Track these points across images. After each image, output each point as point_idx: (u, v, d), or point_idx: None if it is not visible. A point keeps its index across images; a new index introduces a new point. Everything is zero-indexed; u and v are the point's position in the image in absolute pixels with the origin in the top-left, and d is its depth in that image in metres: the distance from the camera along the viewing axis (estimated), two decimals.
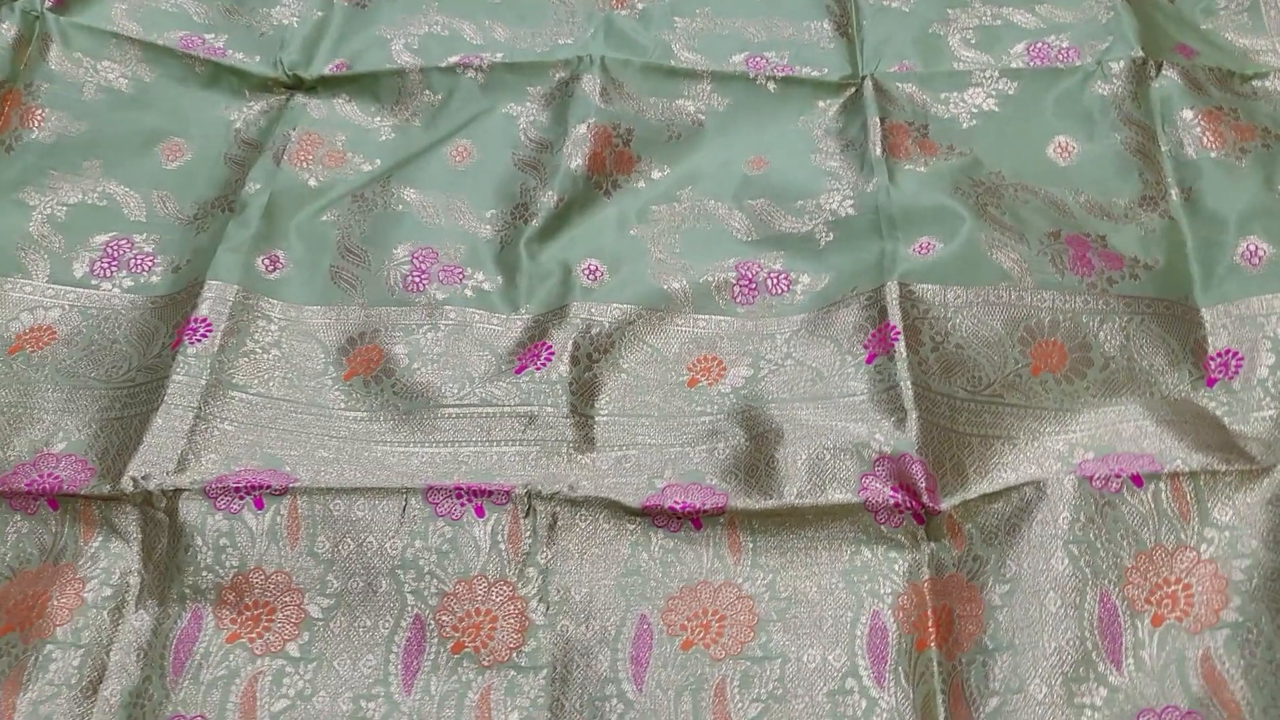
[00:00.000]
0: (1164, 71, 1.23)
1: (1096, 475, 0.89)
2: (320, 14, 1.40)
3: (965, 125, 1.24)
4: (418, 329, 1.10)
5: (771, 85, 1.30)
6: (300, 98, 1.31)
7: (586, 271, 1.13)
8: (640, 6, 1.39)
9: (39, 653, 0.88)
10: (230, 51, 1.34)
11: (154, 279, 1.13)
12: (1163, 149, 1.18)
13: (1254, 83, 1.23)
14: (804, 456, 0.95)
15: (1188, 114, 1.18)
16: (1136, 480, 0.88)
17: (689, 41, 1.35)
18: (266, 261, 1.14)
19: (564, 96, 1.29)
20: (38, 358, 1.05)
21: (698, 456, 0.98)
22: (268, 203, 1.18)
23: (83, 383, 1.04)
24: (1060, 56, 1.28)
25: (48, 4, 1.29)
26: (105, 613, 0.91)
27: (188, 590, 0.92)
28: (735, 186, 1.21)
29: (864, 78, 1.29)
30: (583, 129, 1.24)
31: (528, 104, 1.30)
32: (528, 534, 0.93)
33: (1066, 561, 0.86)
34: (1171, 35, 1.31)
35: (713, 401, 1.03)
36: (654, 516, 0.93)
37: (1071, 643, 0.84)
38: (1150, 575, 0.86)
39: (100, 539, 0.94)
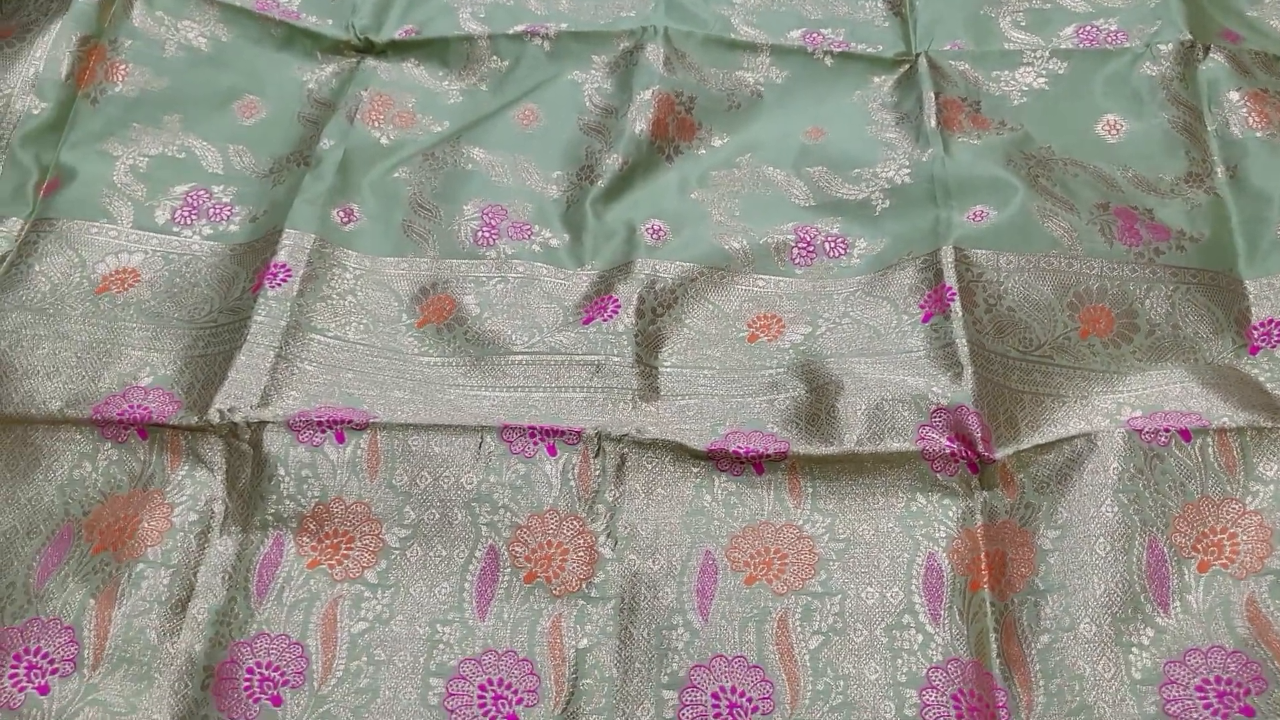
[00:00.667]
0: (1211, 54, 1.26)
1: (1146, 429, 0.93)
2: None
3: (1016, 102, 1.27)
4: (488, 280, 1.14)
5: (829, 60, 1.33)
6: (371, 61, 1.35)
7: (650, 231, 1.17)
8: None
9: (131, 570, 0.92)
10: (304, 14, 1.38)
11: (233, 228, 1.18)
12: (1209, 128, 1.21)
13: None
14: (863, 406, 0.99)
15: (1234, 95, 1.22)
16: (1185, 435, 0.92)
17: (747, 17, 1.39)
18: (341, 214, 1.18)
19: (628, 65, 1.33)
20: (123, 299, 1.10)
21: (759, 406, 1.02)
22: (342, 159, 1.22)
23: (167, 322, 1.09)
24: (1109, 39, 1.32)
25: None
26: (192, 536, 0.95)
27: (270, 518, 0.96)
28: (794, 155, 1.25)
29: (918, 55, 1.33)
30: (647, 95, 1.28)
31: (592, 71, 1.34)
32: (597, 473, 0.97)
33: (1116, 509, 0.90)
34: (1218, 21, 1.34)
35: (773, 356, 1.07)
36: (717, 460, 0.97)
37: (1120, 585, 0.88)
38: (1197, 524, 0.89)
39: (186, 468, 0.98)
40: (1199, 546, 0.89)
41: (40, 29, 1.24)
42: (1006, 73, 1.30)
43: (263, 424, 0.98)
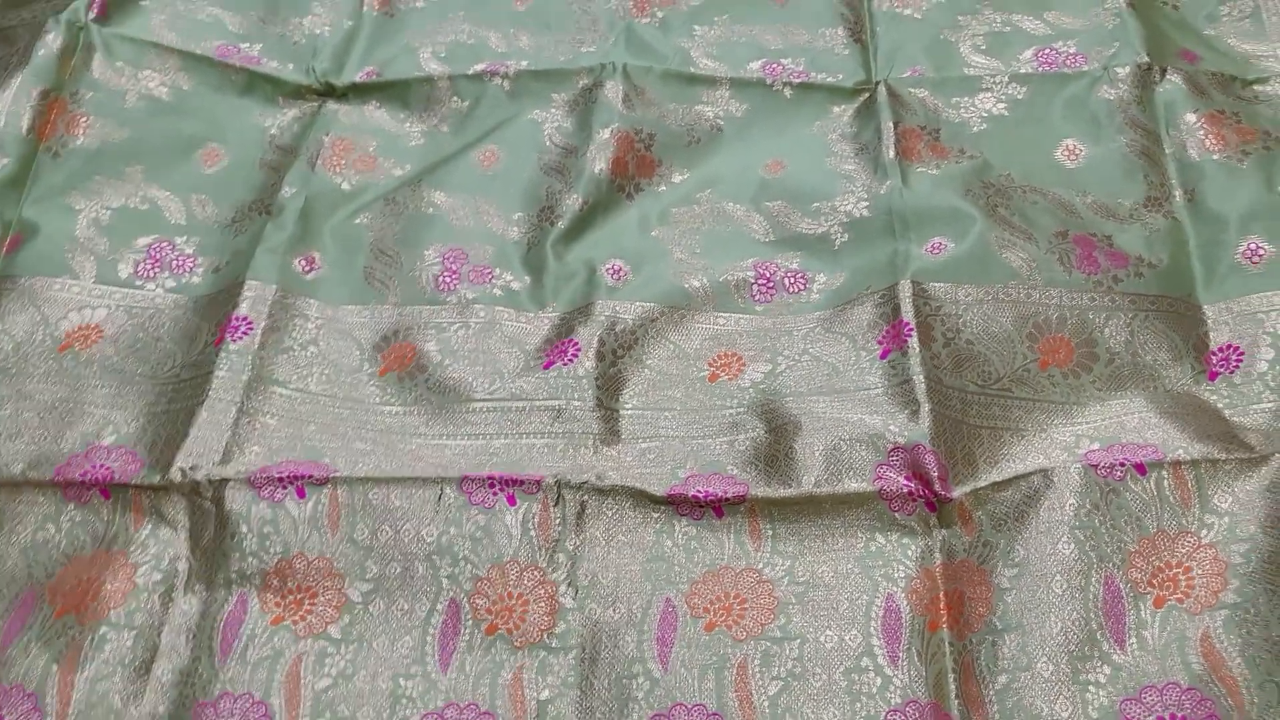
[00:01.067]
0: (1168, 76, 1.26)
1: (1102, 464, 0.93)
2: (350, 23, 1.45)
3: (976, 129, 1.28)
4: (449, 327, 1.14)
5: (788, 91, 1.34)
6: (332, 104, 1.36)
7: (610, 271, 1.18)
8: (660, 15, 1.44)
9: (94, 634, 0.93)
10: (264, 60, 1.39)
11: (195, 279, 1.18)
12: (1166, 151, 1.22)
13: (1255, 87, 1.27)
14: (821, 447, 1.00)
15: (1191, 117, 1.22)
16: (1140, 468, 0.93)
17: (707, 49, 1.40)
18: (303, 263, 1.18)
19: (588, 103, 1.33)
20: (86, 355, 1.10)
21: (719, 448, 1.02)
22: (303, 206, 1.23)
23: (129, 379, 1.09)
24: (1068, 62, 1.32)
25: (92, 15, 1.34)
26: (156, 596, 0.95)
27: (234, 575, 0.96)
28: (753, 189, 1.25)
29: (877, 83, 1.33)
30: (606, 134, 1.28)
31: (552, 110, 1.34)
32: (557, 521, 0.97)
33: (1072, 546, 0.91)
34: (1175, 41, 1.34)
35: (733, 395, 1.07)
36: (677, 505, 0.97)
37: (1077, 623, 0.88)
38: (1153, 559, 0.90)
39: (150, 526, 0.98)
40: (1154, 581, 0.89)
41: None
42: (966, 99, 1.31)
43: (224, 481, 0.99)
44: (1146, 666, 0.86)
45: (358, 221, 1.24)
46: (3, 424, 1.04)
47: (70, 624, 0.93)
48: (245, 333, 1.10)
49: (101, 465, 1.00)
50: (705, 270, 1.18)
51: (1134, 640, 0.87)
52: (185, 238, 1.22)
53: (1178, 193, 1.18)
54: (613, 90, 1.33)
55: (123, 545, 0.98)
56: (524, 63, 1.38)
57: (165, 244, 1.21)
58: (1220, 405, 1.02)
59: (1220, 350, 1.06)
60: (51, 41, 1.29)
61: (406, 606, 0.95)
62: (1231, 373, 1.04)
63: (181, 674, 0.92)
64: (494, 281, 1.19)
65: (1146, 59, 1.28)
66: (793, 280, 1.17)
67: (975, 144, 1.26)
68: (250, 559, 0.97)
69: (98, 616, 0.94)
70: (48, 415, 1.05)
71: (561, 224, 1.23)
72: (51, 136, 1.26)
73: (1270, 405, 1.01)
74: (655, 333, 1.12)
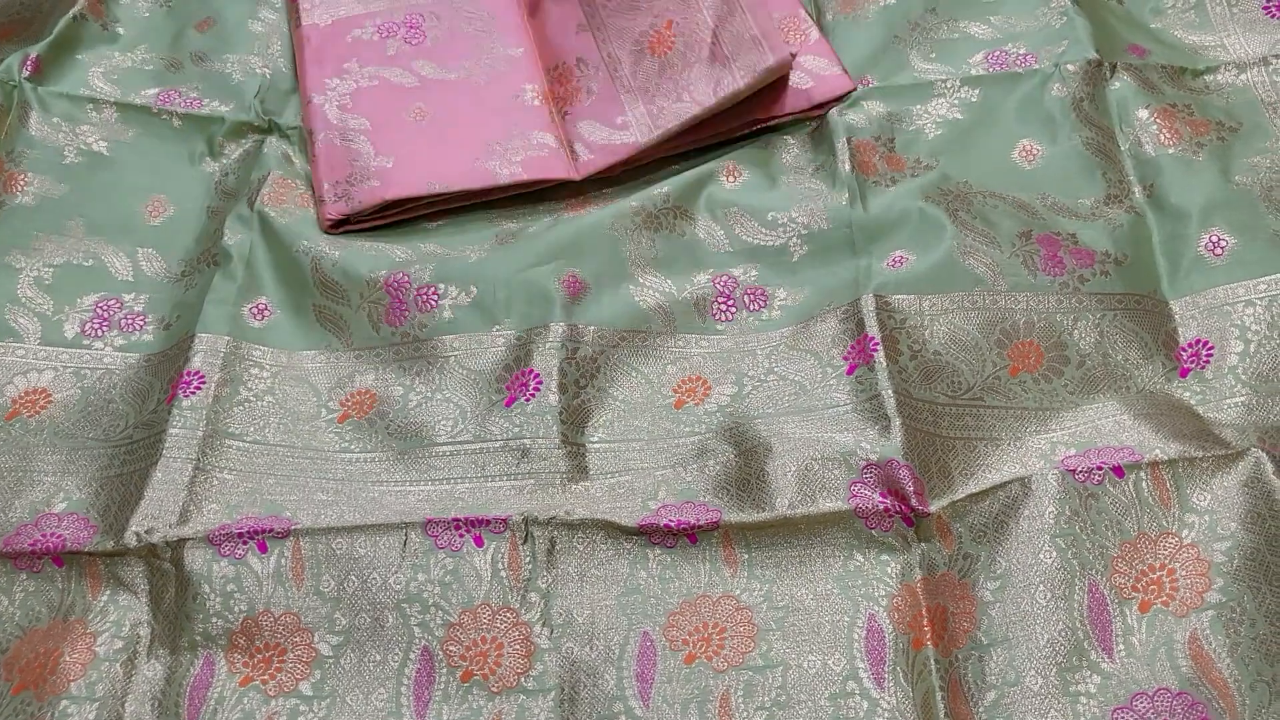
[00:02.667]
0: (1118, 73, 1.26)
1: (1079, 469, 0.92)
2: (290, 62, 1.43)
3: (931, 136, 1.27)
4: (407, 370, 1.11)
5: None
6: (274, 140, 1.33)
7: (566, 284, 1.15)
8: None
9: (54, 709, 0.90)
10: (205, 101, 1.37)
11: (146, 337, 1.15)
12: (1122, 148, 1.21)
13: (1205, 78, 1.27)
14: (793, 468, 0.97)
15: (1143, 113, 1.22)
16: (1118, 471, 0.91)
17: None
18: (253, 311, 1.16)
19: None
20: (35, 422, 1.07)
21: (689, 475, 1.00)
22: (248, 250, 1.20)
23: (81, 443, 1.06)
24: (1019, 62, 1.32)
25: (25, 74, 1.31)
26: (118, 665, 0.92)
27: (198, 637, 0.93)
28: (709, 196, 1.23)
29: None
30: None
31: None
32: (527, 560, 0.95)
33: (1054, 555, 0.89)
34: (1124, 36, 1.34)
35: (700, 421, 1.05)
36: (650, 535, 0.95)
37: (1063, 633, 0.86)
38: (1136, 563, 0.88)
39: (108, 593, 0.95)
40: (1139, 586, 0.87)
41: None
42: (919, 106, 1.30)
43: (183, 541, 0.95)
44: (1136, 673, 0.84)
45: (297, 251, 1.20)
46: None
47: (29, 700, 0.90)
48: (198, 387, 1.07)
49: (53, 533, 0.97)
50: (663, 286, 1.16)
51: (1122, 647, 0.85)
52: (134, 294, 1.19)
53: (1137, 188, 1.17)
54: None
55: (80, 614, 0.94)
56: None
57: (113, 301, 1.18)
58: (1193, 402, 1.01)
59: (1190, 345, 1.05)
60: None
61: (379, 658, 0.93)
62: (1202, 368, 1.03)
63: None
64: (441, 302, 1.15)
65: (1096, 55, 1.28)
66: (753, 298, 1.15)
67: (931, 152, 1.25)
68: (215, 619, 0.94)
69: (57, 690, 0.90)
70: None
71: (513, 239, 1.21)
72: None
73: (1242, 399, 1.00)
74: (618, 360, 1.10)
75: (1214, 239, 1.10)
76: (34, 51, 1.34)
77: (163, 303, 1.18)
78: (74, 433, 1.07)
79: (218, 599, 0.94)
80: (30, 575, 0.96)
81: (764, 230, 1.20)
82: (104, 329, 1.15)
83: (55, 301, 1.17)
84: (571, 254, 1.18)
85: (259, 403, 1.08)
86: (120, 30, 1.45)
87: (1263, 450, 0.90)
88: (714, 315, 1.14)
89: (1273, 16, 1.31)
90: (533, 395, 1.07)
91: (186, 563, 0.95)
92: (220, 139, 1.34)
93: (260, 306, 1.16)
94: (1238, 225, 1.11)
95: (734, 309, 1.14)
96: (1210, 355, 1.03)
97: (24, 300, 1.16)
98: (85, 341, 1.14)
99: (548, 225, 1.23)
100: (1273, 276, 1.06)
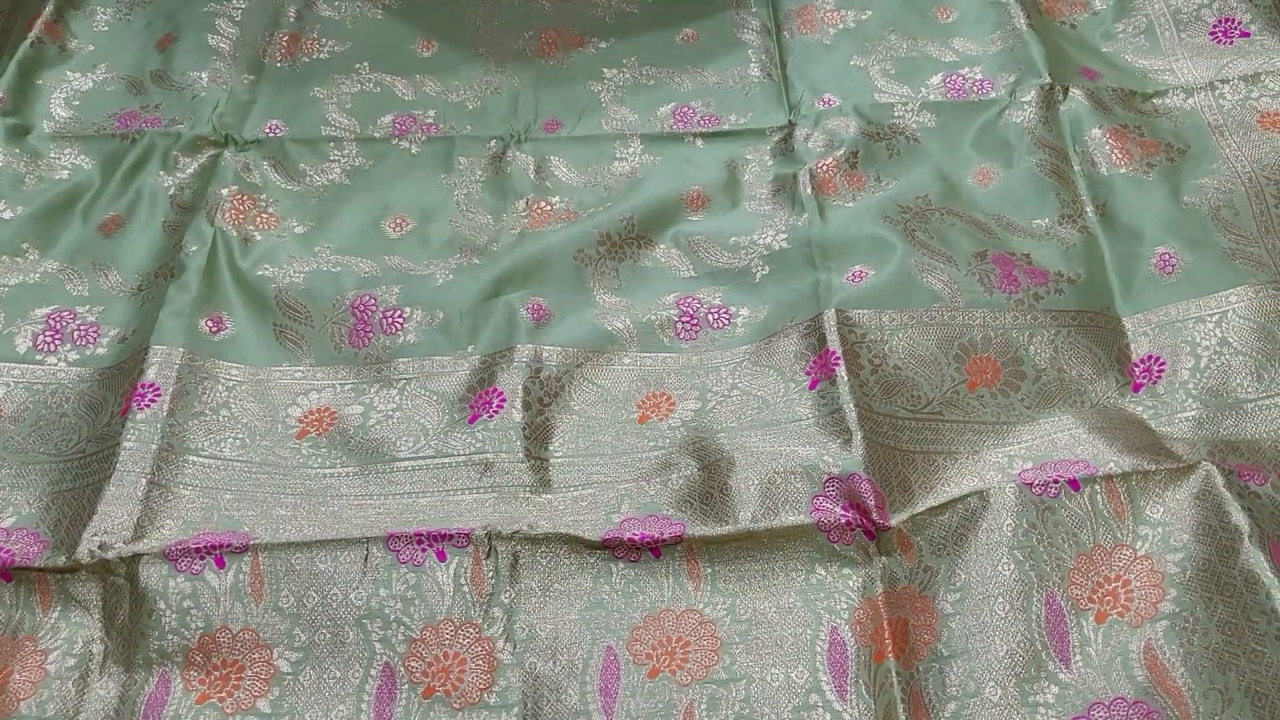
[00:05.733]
0: (1071, 93, 1.29)
1: (1036, 482, 0.93)
2: (251, 77, 1.43)
3: (889, 156, 1.29)
4: (368, 388, 1.11)
5: (699, 141, 1.34)
6: (229, 155, 1.33)
7: (531, 310, 1.15)
8: (569, 57, 1.44)
9: None
10: (165, 120, 1.36)
11: (100, 350, 1.14)
12: (1076, 168, 1.24)
13: (1154, 100, 1.30)
14: (756, 482, 0.98)
15: (1096, 132, 1.25)
16: (1073, 484, 0.93)
17: (617, 93, 1.40)
18: (210, 323, 1.14)
19: (499, 171, 1.32)
20: None
21: (653, 489, 1.00)
22: (205, 264, 1.19)
23: (31, 458, 1.04)
24: (975, 89, 1.34)
25: None
26: (70, 683, 0.90)
27: (154, 654, 0.92)
28: (673, 227, 1.24)
29: (791, 123, 1.34)
30: (521, 204, 1.28)
31: (460, 175, 1.33)
32: (490, 574, 0.94)
33: (1012, 567, 0.90)
34: (1076, 60, 1.38)
35: (664, 435, 1.06)
36: (614, 549, 0.95)
37: (1022, 644, 0.87)
38: (1091, 574, 0.90)
39: (59, 609, 0.93)
40: (1095, 597, 0.89)
41: None
42: (879, 126, 1.32)
43: (138, 557, 0.94)
44: (1093, 683, 0.85)
45: (260, 273, 1.20)
46: None
47: None
48: (153, 400, 1.05)
49: (1, 548, 0.95)
50: (628, 309, 1.16)
51: (1079, 658, 0.87)
52: (88, 307, 1.17)
53: (1089, 208, 1.20)
54: (523, 161, 1.32)
55: (30, 630, 0.92)
56: (431, 116, 1.37)
57: (65, 314, 1.16)
58: (1146, 416, 1.03)
59: (1142, 361, 1.07)
60: None
61: (339, 674, 0.91)
62: (1154, 383, 1.05)
63: None
64: (406, 325, 1.15)
65: (1049, 80, 1.31)
66: (716, 316, 1.15)
67: (890, 171, 1.27)
68: (170, 636, 0.92)
69: (7, 710, 0.88)
70: None
71: (479, 268, 1.21)
72: None
73: (1193, 413, 1.02)
74: (581, 378, 1.10)
75: (1165, 257, 1.13)
76: None
77: (118, 316, 1.17)
78: (24, 447, 1.05)
79: (174, 615, 0.93)
80: None
81: (726, 253, 1.21)
82: (56, 343, 1.13)
83: (7, 315, 1.15)
84: (536, 282, 1.19)
85: (215, 417, 1.07)
86: (78, 48, 1.45)
87: (1213, 464, 0.92)
88: (677, 334, 1.14)
89: (1219, 43, 1.35)
90: (496, 412, 1.07)
91: (142, 579, 0.93)
92: (175, 153, 1.32)
93: (217, 319, 1.15)
94: (1188, 244, 1.13)
95: (697, 328, 1.15)
96: (1162, 371, 1.06)
97: None
98: (38, 357, 1.12)
99: (511, 242, 1.23)
100: (1222, 294, 1.08)
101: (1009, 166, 1.25)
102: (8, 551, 0.95)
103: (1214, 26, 1.36)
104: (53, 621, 0.93)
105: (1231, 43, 1.34)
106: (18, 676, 0.90)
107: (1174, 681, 0.84)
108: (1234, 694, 0.82)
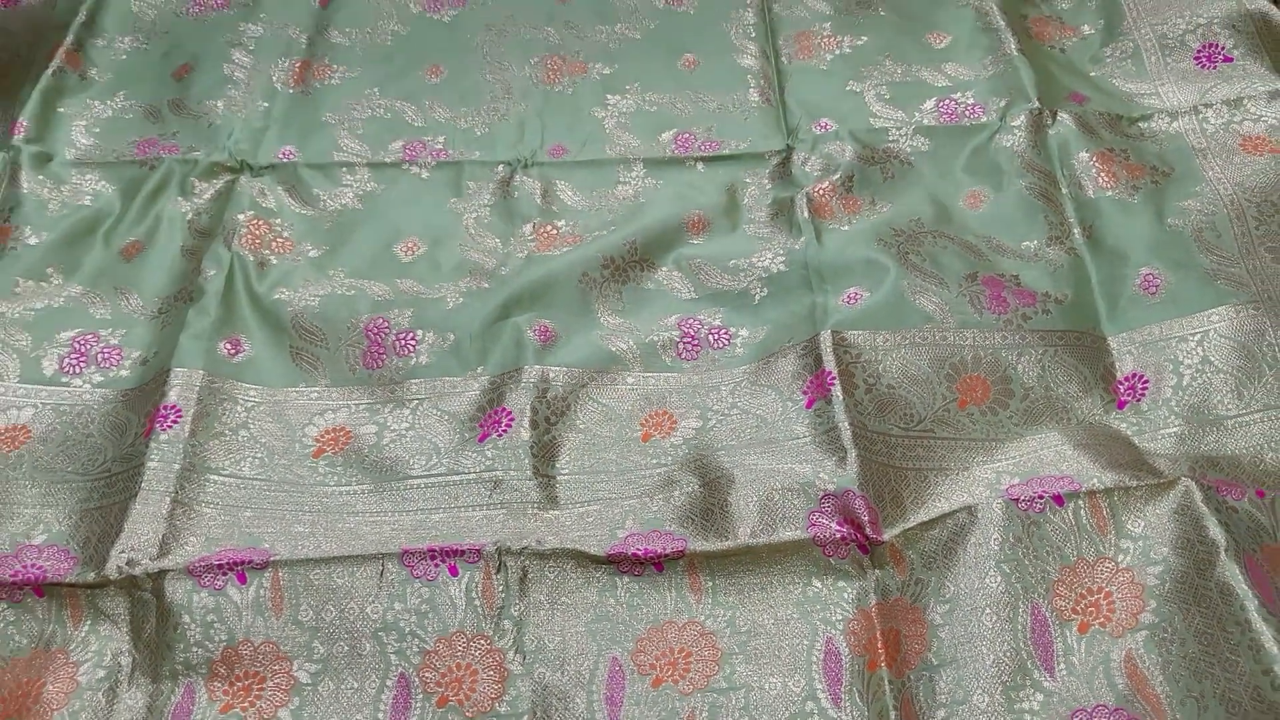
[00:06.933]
0: (1059, 118, 1.33)
1: (1022, 497, 0.97)
2: (265, 104, 1.47)
3: (883, 180, 1.33)
4: (382, 408, 1.15)
5: (700, 166, 1.38)
6: (245, 180, 1.37)
7: (538, 332, 1.20)
8: (572, 83, 1.48)
9: None
10: (182, 146, 1.40)
11: (123, 373, 1.18)
12: (1063, 191, 1.28)
13: (1140, 124, 1.34)
14: (755, 498, 1.02)
15: (1083, 155, 1.29)
16: (1058, 500, 0.97)
17: (620, 119, 1.44)
18: (228, 346, 1.19)
19: (505, 196, 1.37)
20: (14, 456, 1.09)
21: (656, 505, 1.04)
22: (224, 288, 1.24)
23: (60, 477, 1.08)
24: (968, 113, 1.39)
25: (18, 136, 1.39)
26: (100, 694, 0.94)
27: (179, 666, 0.96)
28: (674, 250, 1.29)
29: (790, 147, 1.38)
30: (528, 229, 1.32)
31: (469, 199, 1.37)
32: (500, 589, 0.99)
33: (999, 579, 0.94)
34: (1064, 84, 1.42)
35: (666, 453, 1.10)
36: (618, 564, 0.99)
37: (1008, 654, 0.92)
38: (1075, 586, 0.94)
39: (89, 623, 0.98)
40: (1078, 608, 0.93)
41: None
42: (874, 150, 1.36)
43: (163, 572, 0.98)
44: (1076, 690, 0.89)
45: (277, 297, 1.24)
46: None
47: None
48: (175, 421, 1.10)
49: (33, 564, 1.00)
50: (631, 331, 1.21)
51: (1062, 666, 0.91)
52: (110, 330, 1.22)
53: (1076, 230, 1.24)
54: (530, 186, 1.36)
55: (62, 644, 0.97)
56: (440, 142, 1.41)
57: (89, 336, 1.21)
58: (1129, 433, 1.07)
59: (1127, 379, 1.11)
60: None
61: (356, 685, 0.96)
62: (1139, 400, 1.09)
63: None
64: (419, 347, 1.20)
65: (1038, 105, 1.35)
66: (716, 336, 1.20)
67: (884, 194, 1.31)
68: (195, 649, 0.96)
69: (41, 719, 0.93)
70: None
71: (489, 291, 1.25)
72: None
73: (1175, 430, 1.06)
74: (586, 398, 1.15)
75: (1149, 278, 1.17)
76: (20, 117, 1.41)
77: (139, 339, 1.21)
78: (53, 466, 1.09)
79: (198, 629, 0.97)
80: (10, 605, 0.98)
81: (726, 276, 1.25)
82: (82, 365, 1.18)
83: (34, 338, 1.19)
84: (543, 304, 1.23)
85: (234, 437, 1.11)
86: (98, 76, 1.49)
87: (1192, 480, 0.96)
88: (679, 355, 1.19)
89: (1203, 67, 1.39)
90: (505, 431, 1.11)
91: (167, 594, 0.98)
92: (193, 179, 1.37)
93: (235, 341, 1.19)
94: (1171, 265, 1.18)
95: (698, 348, 1.19)
96: (1146, 388, 1.10)
97: (3, 338, 1.18)
98: (64, 379, 1.17)
99: (519, 266, 1.27)
100: (1204, 313, 1.12)
101: (999, 189, 1.29)
102: (39, 568, 0.99)
103: (1198, 52, 1.40)
104: (83, 635, 0.97)
105: (1215, 67, 1.38)
106: (51, 687, 0.94)
107: (1153, 689, 0.88)
108: (1209, 701, 0.86)
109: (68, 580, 0.98)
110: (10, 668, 0.95)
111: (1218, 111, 1.32)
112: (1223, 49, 1.39)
